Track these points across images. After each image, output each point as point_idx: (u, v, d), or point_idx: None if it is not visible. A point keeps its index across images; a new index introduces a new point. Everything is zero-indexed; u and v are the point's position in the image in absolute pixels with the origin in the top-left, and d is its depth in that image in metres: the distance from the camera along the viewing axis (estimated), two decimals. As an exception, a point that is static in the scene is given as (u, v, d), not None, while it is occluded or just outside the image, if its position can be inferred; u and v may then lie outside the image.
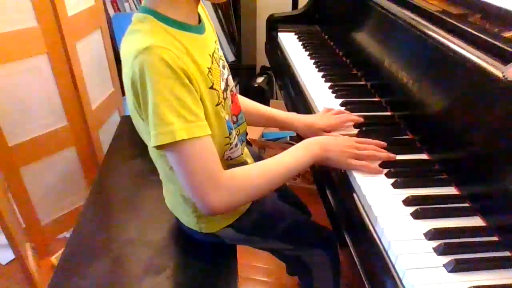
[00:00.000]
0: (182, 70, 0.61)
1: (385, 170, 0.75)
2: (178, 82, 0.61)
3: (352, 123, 0.90)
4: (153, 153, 0.79)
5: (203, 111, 0.66)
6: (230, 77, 0.82)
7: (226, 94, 0.77)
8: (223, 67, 0.78)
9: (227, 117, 0.76)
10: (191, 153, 0.63)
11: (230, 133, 0.77)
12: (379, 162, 0.76)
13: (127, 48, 0.64)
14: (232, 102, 0.82)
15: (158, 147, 0.63)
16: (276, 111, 0.97)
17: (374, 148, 0.78)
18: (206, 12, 0.79)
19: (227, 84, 0.78)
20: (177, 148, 0.63)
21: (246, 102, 0.97)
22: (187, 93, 0.62)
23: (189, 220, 0.86)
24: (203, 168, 0.64)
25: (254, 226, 0.88)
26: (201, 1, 0.72)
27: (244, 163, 0.85)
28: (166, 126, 0.61)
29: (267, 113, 0.97)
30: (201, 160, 0.64)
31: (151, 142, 0.63)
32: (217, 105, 0.72)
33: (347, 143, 0.78)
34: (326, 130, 0.89)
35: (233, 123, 0.81)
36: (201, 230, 0.86)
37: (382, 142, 0.80)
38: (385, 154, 0.77)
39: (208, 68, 0.69)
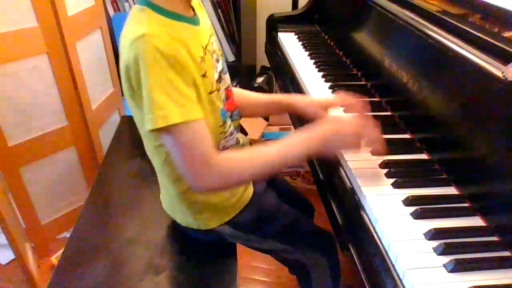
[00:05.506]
0: (173, 57, 0.64)
1: (380, 161, 0.76)
2: (170, 68, 0.64)
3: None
4: (149, 146, 0.80)
5: (195, 95, 0.68)
6: (228, 75, 0.84)
7: (219, 85, 0.78)
8: (217, 60, 0.79)
9: (221, 106, 0.78)
10: (185, 135, 0.66)
11: (224, 122, 0.79)
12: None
13: (123, 37, 0.67)
14: (227, 98, 0.83)
15: (153, 131, 0.65)
16: (275, 95, 0.98)
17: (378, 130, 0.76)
18: (204, 11, 0.81)
19: (220, 77, 0.80)
20: (172, 131, 0.65)
21: (241, 92, 0.97)
22: (179, 78, 0.65)
23: (187, 220, 0.87)
24: (196, 149, 0.67)
25: (251, 225, 0.88)
26: (200, 1, 0.75)
27: (240, 145, 0.87)
28: (160, 110, 0.63)
29: (265, 100, 0.97)
30: (194, 141, 0.67)
31: (146, 126, 0.65)
32: (210, 93, 0.74)
33: (353, 127, 0.74)
34: (325, 108, 0.89)
35: (229, 118, 0.83)
36: (199, 227, 0.86)
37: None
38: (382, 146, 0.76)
39: (201, 57, 0.72)
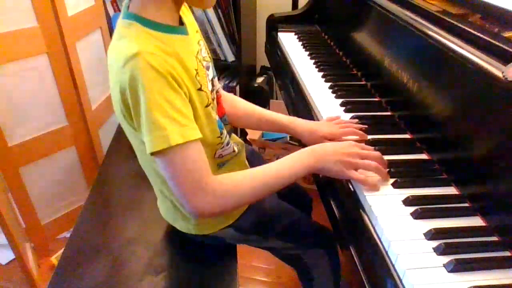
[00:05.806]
0: (170, 74, 0.61)
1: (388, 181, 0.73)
2: (168, 86, 0.61)
3: (356, 137, 0.84)
4: (145, 164, 0.79)
5: (192, 114, 0.66)
6: (216, 79, 0.82)
7: (213, 95, 0.77)
8: (207, 68, 0.77)
9: (217, 117, 0.76)
10: (184, 157, 0.63)
11: (221, 133, 0.77)
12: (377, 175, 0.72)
13: (113, 56, 0.64)
14: (217, 103, 0.82)
15: (153, 154, 0.62)
16: (277, 115, 0.94)
17: (378, 161, 0.72)
18: (189, 12, 0.78)
19: (213, 85, 0.78)
20: (171, 153, 0.62)
21: (245, 105, 0.96)
22: (177, 96, 0.62)
23: (188, 227, 0.86)
24: (193, 172, 0.64)
25: (253, 226, 0.88)
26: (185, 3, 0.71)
27: (235, 153, 0.85)
28: (160, 131, 0.60)
29: (268, 117, 0.95)
30: (192, 163, 0.64)
31: (146, 149, 0.62)
32: (206, 106, 0.72)
33: (347, 150, 0.73)
34: (329, 138, 0.85)
35: None
36: (202, 232, 0.86)
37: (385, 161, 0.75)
38: (385, 173, 0.72)
39: (196, 69, 0.69)
